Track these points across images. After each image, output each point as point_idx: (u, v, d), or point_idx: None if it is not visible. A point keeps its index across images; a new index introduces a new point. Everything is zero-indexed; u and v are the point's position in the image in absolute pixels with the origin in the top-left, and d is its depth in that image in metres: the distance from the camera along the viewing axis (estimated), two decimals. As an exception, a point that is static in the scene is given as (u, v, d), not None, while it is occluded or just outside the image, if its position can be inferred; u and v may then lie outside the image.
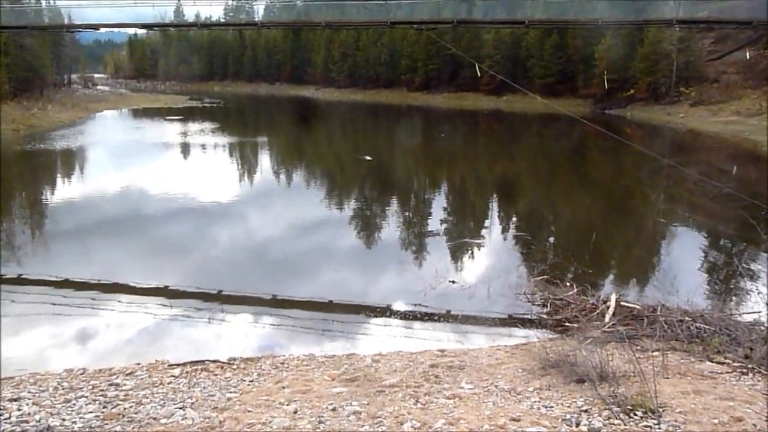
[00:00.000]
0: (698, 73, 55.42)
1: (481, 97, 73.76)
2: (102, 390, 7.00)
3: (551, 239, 17.01)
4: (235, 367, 8.05)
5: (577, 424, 5.35)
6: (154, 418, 5.97)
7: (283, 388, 7.10)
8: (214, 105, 72.73)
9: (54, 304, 10.80)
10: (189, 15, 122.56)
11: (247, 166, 30.23)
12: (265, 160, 32.20)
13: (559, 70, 67.98)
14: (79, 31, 52.86)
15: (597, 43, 61.60)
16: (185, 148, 34.67)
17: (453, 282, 12.10)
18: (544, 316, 10.29)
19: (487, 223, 18.55)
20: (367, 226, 17.82)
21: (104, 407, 6.34)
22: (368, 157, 30.32)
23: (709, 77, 54.95)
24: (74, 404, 6.45)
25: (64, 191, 22.25)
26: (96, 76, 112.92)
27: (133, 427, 5.73)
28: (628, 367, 6.67)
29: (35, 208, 19.90)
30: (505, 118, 60.07)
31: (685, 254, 14.68)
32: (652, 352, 7.96)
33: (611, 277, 13.30)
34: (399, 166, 31.12)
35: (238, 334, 9.81)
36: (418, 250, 15.28)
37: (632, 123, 51.63)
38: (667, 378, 6.78)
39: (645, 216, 19.62)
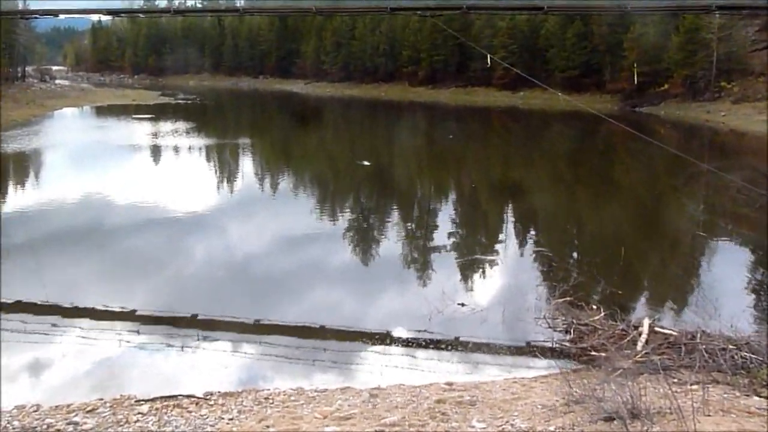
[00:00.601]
0: (742, 65, 55.70)
1: (493, 92, 74.08)
2: (59, 430, 6.97)
3: (575, 255, 17.00)
4: (212, 402, 8.02)
5: (606, 469, 5.33)
6: (119, 462, 5.95)
7: (268, 427, 7.08)
8: (189, 101, 72.92)
9: (3, 330, 10.76)
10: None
11: (227, 171, 30.29)
12: (247, 165, 32.25)
13: (583, 62, 68.34)
14: (36, 18, 53.09)
15: (626, 32, 61.97)
16: (156, 151, 34.75)
17: (462, 305, 12.08)
18: (567, 344, 10.28)
19: (501, 236, 18.57)
20: (364, 240, 17.83)
21: (61, 449, 6.31)
22: (366, 162, 30.38)
23: (754, 70, 55.20)
24: (26, 446, 6.43)
25: (16, 200, 22.25)
26: (54, 68, 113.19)
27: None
28: (663, 403, 6.65)
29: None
30: (522, 117, 60.30)
31: (728, 273, 14.68)
32: (691, 385, 7.95)
33: (644, 299, 13.28)
34: (400, 171, 31.20)
35: (216, 364, 9.78)
36: (422, 267, 15.28)
37: (666, 122, 51.82)
38: (708, 415, 6.76)
39: (682, 229, 19.64)
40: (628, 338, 9.87)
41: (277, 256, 16.01)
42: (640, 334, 9.91)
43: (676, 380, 8.30)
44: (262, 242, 17.20)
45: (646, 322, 10.31)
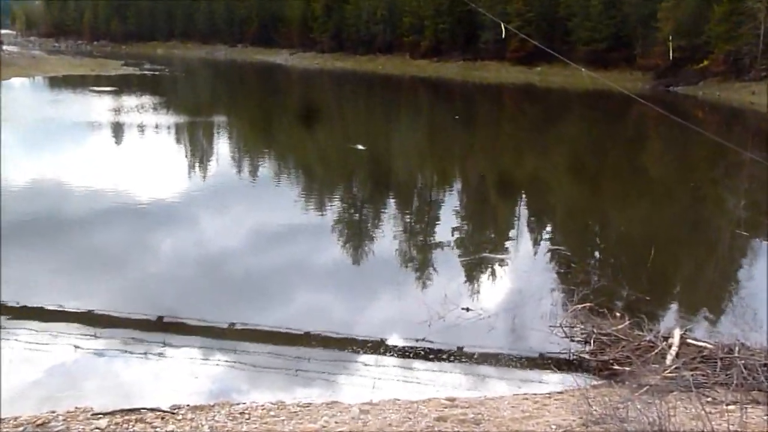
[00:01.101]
0: (793, 40, 55.77)
1: (507, 67, 74.12)
2: (4, 446, 6.99)
3: (597, 255, 17.06)
4: (179, 417, 8.05)
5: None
6: (73, 484, 5.98)
7: (243, 446, 7.11)
8: (157, 73, 72.76)
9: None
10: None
11: (200, 153, 30.25)
12: (222, 147, 32.23)
13: (611, 33, 68.41)
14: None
15: (660, 0, 61.96)
16: (118, 130, 34.66)
17: (467, 310, 12.13)
18: (586, 356, 10.34)
19: (512, 233, 18.62)
20: (356, 234, 17.86)
21: (6, 469, 6.34)
22: (360, 146, 30.30)
23: (808, 46, 55.29)
24: (-33, 464, 6.45)
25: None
26: (2, 32, 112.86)
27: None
28: (695, 425, 6.71)
29: None
30: (539, 96, 60.32)
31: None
32: (727, 405, 8.01)
33: (675, 306, 13.36)
34: (398, 156, 31.20)
35: (184, 374, 9.81)
36: (421, 267, 15.32)
37: (705, 104, 51.94)
38: (747, 439, 6.82)
39: (720, 227, 19.73)
40: (656, 351, 9.94)
41: (256, 251, 16.04)
42: (669, 347, 9.98)
43: (710, 399, 8.36)
44: (239, 236, 17.22)
45: (677, 332, 10.37)
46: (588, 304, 11.83)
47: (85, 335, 10.90)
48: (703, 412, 6.63)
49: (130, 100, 47.01)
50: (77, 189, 21.27)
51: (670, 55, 57.36)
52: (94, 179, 22.36)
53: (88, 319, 11.56)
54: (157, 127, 36.09)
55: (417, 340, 10.94)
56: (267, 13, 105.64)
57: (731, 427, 6.61)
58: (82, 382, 9.37)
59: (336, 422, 7.86)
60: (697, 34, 59.29)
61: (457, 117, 45.38)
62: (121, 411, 8.08)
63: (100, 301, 12.27)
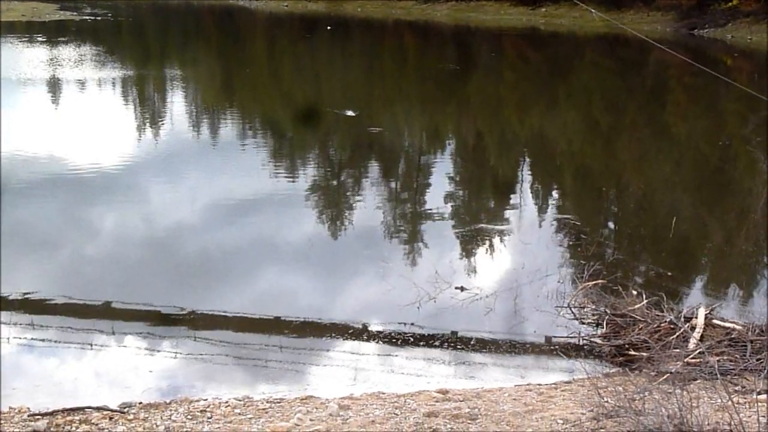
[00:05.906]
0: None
1: (506, 8, 73.73)
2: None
3: (611, 225, 17.12)
4: (131, 417, 8.05)
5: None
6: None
7: (204, 448, 7.12)
8: (99, 18, 71.85)
9: None
10: None
11: (150, 112, 29.99)
12: (177, 104, 31.96)
13: (627, -32, 68.04)
14: None
15: (684, -72, 61.66)
16: (53, 86, 34.29)
17: (461, 289, 12.16)
18: (598, 341, 10.40)
19: (514, 199, 18.65)
20: (333, 204, 17.82)
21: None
22: (350, 112, 29.40)
23: None
24: None
25: None
26: None
27: None
28: (721, 417, 6.77)
29: None
30: (544, 42, 60.10)
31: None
32: (758, 394, 8.08)
33: (699, 282, 13.45)
34: (382, 113, 31.02)
35: (136, 367, 9.79)
36: (409, 240, 15.31)
37: (735, 50, 51.91)
38: (779, 432, 6.90)
39: (753, 192, 19.78)
40: (677, 334, 9.99)
41: (217, 226, 15.94)
42: (693, 329, 10.05)
43: (738, 388, 8.44)
44: (196, 209, 17.13)
45: (702, 312, 10.43)
46: (600, 281, 11.89)
47: (19, 324, 10.84)
48: (730, 403, 6.68)
49: (68, 51, 46.43)
50: (4, 155, 21.02)
51: (694, -8, 57.05)
52: (24, 144, 22.12)
53: (20, 305, 11.50)
54: (100, 82, 35.73)
55: (404, 325, 10.96)
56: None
57: (762, 419, 6.67)
58: (16, 379, 9.32)
59: (311, 420, 7.87)
60: (726, -33, 59.23)
61: (450, 66, 45.20)
62: (63, 411, 8.06)
63: (35, 285, 12.19)
